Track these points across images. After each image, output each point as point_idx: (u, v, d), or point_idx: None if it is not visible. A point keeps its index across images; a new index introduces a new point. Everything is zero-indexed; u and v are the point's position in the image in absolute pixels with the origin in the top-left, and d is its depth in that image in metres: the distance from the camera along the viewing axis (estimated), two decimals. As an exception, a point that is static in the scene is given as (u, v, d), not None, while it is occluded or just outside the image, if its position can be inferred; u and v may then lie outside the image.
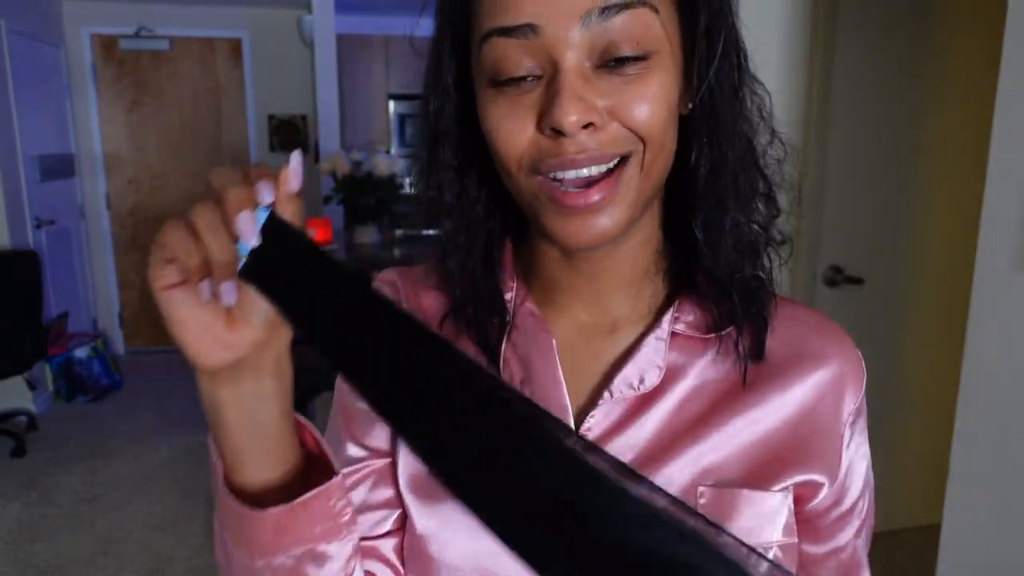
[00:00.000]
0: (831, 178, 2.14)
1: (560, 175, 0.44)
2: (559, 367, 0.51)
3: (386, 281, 0.59)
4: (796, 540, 0.52)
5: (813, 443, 0.51)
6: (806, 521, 0.53)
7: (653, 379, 0.50)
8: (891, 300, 2.34)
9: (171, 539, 2.61)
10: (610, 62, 0.42)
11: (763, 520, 0.49)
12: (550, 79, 0.42)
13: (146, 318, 4.85)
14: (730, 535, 0.28)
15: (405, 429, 0.33)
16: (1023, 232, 1.32)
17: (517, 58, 0.42)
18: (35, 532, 2.67)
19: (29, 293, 3.35)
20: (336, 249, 2.94)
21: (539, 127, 0.43)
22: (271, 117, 4.75)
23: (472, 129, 0.49)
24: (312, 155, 4.76)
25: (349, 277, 0.36)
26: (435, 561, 0.51)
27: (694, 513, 0.28)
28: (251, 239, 0.37)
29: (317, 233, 2.95)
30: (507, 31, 0.42)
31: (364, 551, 0.54)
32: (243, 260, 0.37)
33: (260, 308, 0.39)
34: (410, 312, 0.35)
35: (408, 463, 0.53)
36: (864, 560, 0.56)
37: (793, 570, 0.52)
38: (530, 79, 0.43)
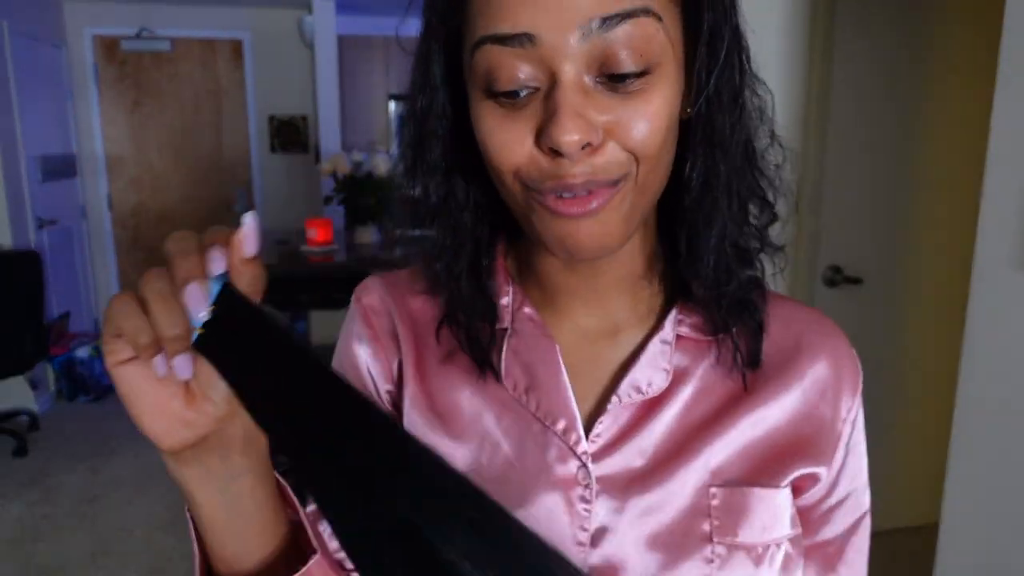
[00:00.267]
0: (831, 178, 2.15)
1: (558, 196, 0.42)
2: (565, 374, 0.50)
3: (371, 293, 0.57)
4: (800, 530, 0.52)
5: (814, 438, 0.51)
6: (798, 514, 0.53)
7: (660, 383, 0.50)
8: (890, 300, 2.34)
9: (172, 539, 2.61)
10: (610, 77, 0.40)
11: (774, 517, 0.49)
12: (548, 92, 0.40)
13: (147, 318, 4.85)
14: None
15: (346, 526, 0.31)
16: (1022, 232, 1.32)
17: (513, 68, 0.40)
18: (37, 531, 2.68)
19: (31, 293, 3.36)
20: (337, 249, 2.95)
21: (537, 143, 0.41)
22: (272, 118, 4.76)
23: (461, 129, 0.47)
24: (313, 155, 4.77)
25: (301, 356, 0.33)
26: None
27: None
28: (200, 312, 0.35)
29: (317, 234, 2.95)
30: (502, 39, 0.40)
31: None
32: (197, 332, 0.35)
33: (220, 382, 0.37)
34: (364, 394, 0.34)
35: None
36: (854, 560, 0.55)
37: (802, 560, 0.53)
38: (526, 90, 0.41)
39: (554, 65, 0.40)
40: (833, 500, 0.53)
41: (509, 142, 0.42)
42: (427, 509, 0.28)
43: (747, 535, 0.48)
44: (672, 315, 0.51)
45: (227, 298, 0.35)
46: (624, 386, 0.49)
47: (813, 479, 0.51)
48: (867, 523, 0.56)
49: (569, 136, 0.39)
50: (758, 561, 0.48)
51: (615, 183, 0.42)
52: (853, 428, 0.53)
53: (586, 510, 0.48)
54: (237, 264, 0.36)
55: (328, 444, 0.31)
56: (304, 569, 0.43)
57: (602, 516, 0.48)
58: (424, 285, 0.54)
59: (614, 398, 0.49)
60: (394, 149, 4.85)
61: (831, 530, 0.54)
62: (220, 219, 4.83)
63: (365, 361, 0.55)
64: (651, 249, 0.51)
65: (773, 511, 0.49)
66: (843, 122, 2.12)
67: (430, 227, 0.51)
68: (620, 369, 0.51)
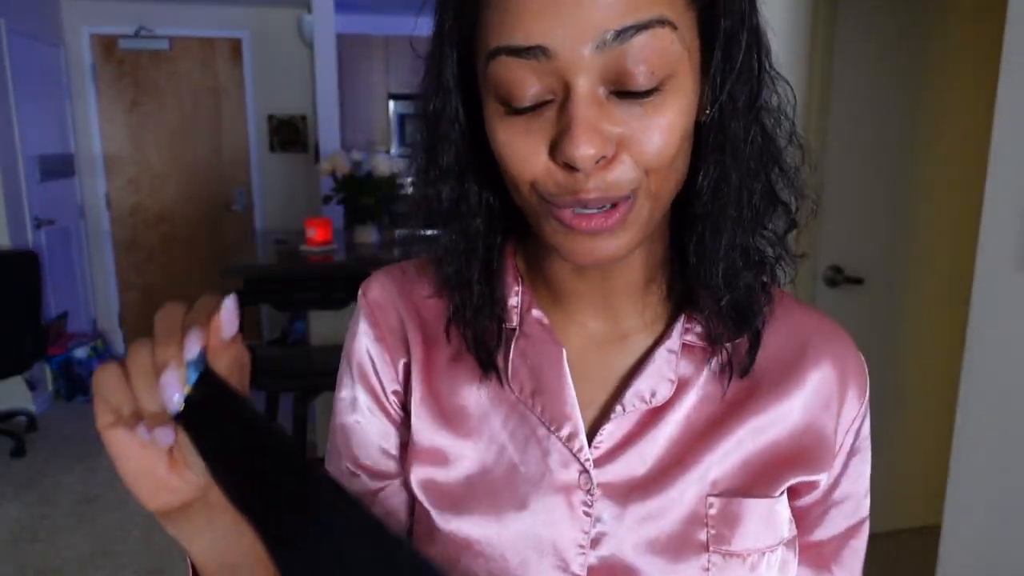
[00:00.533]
0: (831, 178, 2.14)
1: (573, 211, 0.42)
2: (570, 380, 0.50)
3: (377, 289, 0.56)
4: (795, 532, 0.53)
5: (813, 448, 0.51)
6: (794, 515, 0.54)
7: (665, 393, 0.50)
8: (891, 300, 2.34)
9: (171, 539, 2.60)
10: (624, 92, 0.40)
11: (770, 525, 0.50)
12: (562, 104, 0.40)
13: (146, 318, 4.84)
14: None
15: None
16: (1023, 232, 1.31)
17: (527, 80, 0.40)
18: (35, 532, 2.67)
19: (29, 293, 3.35)
20: (336, 249, 2.94)
21: (551, 155, 0.41)
22: (271, 117, 4.75)
23: (474, 133, 0.47)
24: (312, 155, 4.76)
25: (274, 444, 0.35)
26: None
27: None
28: (175, 396, 0.36)
29: (317, 233, 2.94)
30: (517, 51, 0.40)
31: None
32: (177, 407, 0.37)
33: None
34: (336, 481, 0.34)
35: (420, 475, 0.53)
36: (850, 564, 0.55)
37: (795, 566, 0.53)
38: (541, 101, 0.41)
39: (568, 77, 0.39)
40: (831, 502, 0.53)
41: (525, 155, 0.42)
42: None
43: (742, 543, 0.49)
44: (679, 323, 0.51)
45: (204, 383, 0.36)
46: (629, 396, 0.49)
47: (811, 485, 0.52)
48: (866, 528, 0.56)
49: (583, 151, 0.39)
50: (753, 567, 0.49)
51: (628, 197, 0.42)
52: (857, 436, 0.53)
53: (587, 514, 0.49)
54: (217, 346, 0.37)
55: (298, 531, 0.32)
56: None
57: (602, 521, 0.49)
58: (432, 281, 0.54)
59: (618, 407, 0.49)
60: (395, 149, 4.86)
61: (827, 531, 0.54)
62: (219, 219, 4.82)
63: (371, 361, 0.55)
64: (661, 255, 0.51)
65: (769, 520, 0.50)
66: (844, 122, 2.11)
67: (442, 230, 0.51)
68: (626, 376, 0.51)
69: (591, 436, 0.50)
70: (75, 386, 3.92)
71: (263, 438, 0.35)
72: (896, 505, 2.35)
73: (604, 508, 0.49)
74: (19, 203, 3.66)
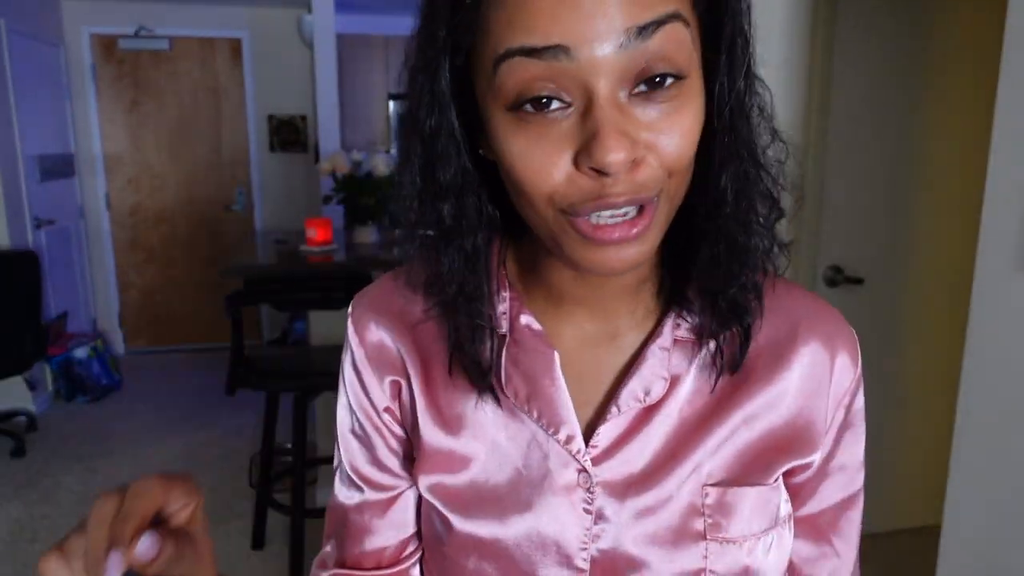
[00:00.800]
0: (831, 178, 2.14)
1: (597, 216, 0.41)
2: (563, 383, 0.51)
3: (365, 314, 0.56)
4: (790, 510, 0.55)
5: (806, 431, 0.52)
6: (789, 490, 0.55)
7: (659, 391, 0.50)
8: (891, 300, 2.34)
9: (171, 539, 2.60)
10: (644, 86, 0.39)
11: (763, 510, 0.51)
12: (584, 109, 0.39)
13: (146, 318, 4.84)
14: None
15: None
16: (1023, 233, 1.31)
17: (543, 83, 0.38)
18: (35, 532, 2.67)
19: (29, 293, 3.35)
20: (336, 248, 2.94)
21: (576, 164, 0.40)
22: (271, 117, 4.75)
23: (472, 145, 0.46)
24: (312, 155, 4.76)
25: None
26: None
27: None
28: None
29: (317, 233, 2.94)
30: (533, 52, 0.38)
31: None
32: None
33: None
34: None
35: (428, 482, 0.54)
36: (847, 533, 0.56)
37: (790, 539, 0.54)
38: (557, 106, 0.39)
39: (589, 80, 0.38)
40: (825, 474, 0.55)
41: (545, 165, 0.40)
42: None
43: (738, 530, 0.50)
44: (670, 320, 0.51)
45: None
46: (624, 396, 0.50)
47: (805, 466, 0.53)
48: (860, 500, 0.57)
49: (615, 155, 0.38)
50: (749, 552, 0.51)
51: (654, 199, 0.41)
52: (848, 410, 0.54)
53: (587, 511, 0.50)
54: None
55: None
56: None
57: (603, 516, 0.50)
58: (426, 295, 0.53)
59: (613, 408, 0.50)
60: (395, 149, 4.85)
61: (822, 502, 0.55)
62: (219, 219, 4.82)
63: (359, 381, 0.57)
64: (655, 255, 0.51)
65: (763, 506, 0.51)
66: (844, 121, 2.11)
67: (443, 252, 0.49)
68: (620, 374, 0.52)
69: (589, 435, 0.51)
70: (75, 386, 3.91)
71: None
72: (896, 505, 2.35)
73: (604, 504, 0.50)
74: (19, 203, 3.66)
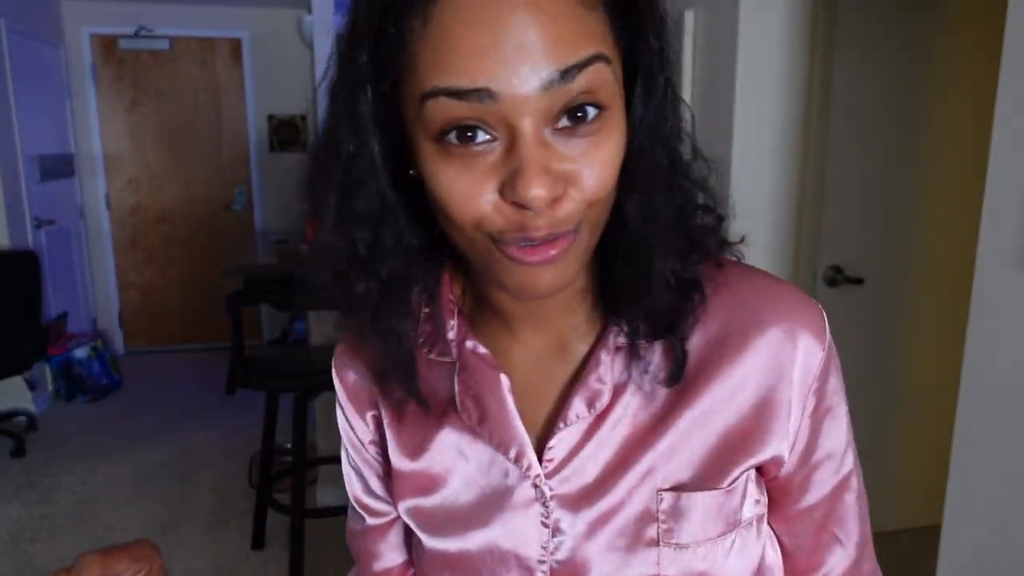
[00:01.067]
0: (831, 178, 2.14)
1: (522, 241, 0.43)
2: (510, 404, 0.52)
3: (343, 357, 0.60)
4: (761, 511, 0.54)
5: (768, 421, 0.50)
6: (776, 486, 0.55)
7: (604, 399, 0.51)
8: (891, 300, 2.34)
9: (171, 539, 2.60)
10: (567, 119, 0.40)
11: (717, 515, 0.51)
12: (509, 144, 0.40)
13: (146, 318, 4.85)
14: None
15: None
16: (1023, 232, 1.31)
17: (469, 120, 0.40)
18: (35, 532, 2.67)
19: (29, 293, 3.35)
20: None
21: (501, 194, 0.41)
22: (271, 117, 4.75)
23: (393, 171, 0.46)
24: (311, 156, 4.75)
25: None
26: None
27: None
28: None
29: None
30: (459, 93, 0.39)
31: None
32: None
33: None
34: None
35: (407, 507, 0.58)
36: (846, 520, 0.56)
37: (758, 542, 0.54)
38: (484, 141, 0.40)
39: (514, 119, 0.39)
40: (812, 466, 0.53)
41: (471, 195, 0.41)
42: None
43: (691, 535, 0.50)
44: (612, 330, 0.51)
45: None
46: (570, 411, 0.51)
47: (775, 461, 0.52)
48: (854, 483, 0.56)
49: (537, 191, 0.39)
50: (704, 556, 0.51)
51: (574, 230, 0.43)
52: (821, 396, 0.51)
53: (544, 524, 0.52)
54: None
55: None
56: None
57: (560, 529, 0.52)
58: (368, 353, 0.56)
59: (560, 423, 0.51)
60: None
61: (815, 494, 0.54)
62: (219, 218, 4.82)
63: (346, 418, 0.62)
64: (590, 268, 0.52)
65: (717, 511, 0.51)
66: (844, 121, 2.11)
67: (358, 279, 0.49)
68: (567, 386, 0.53)
69: (542, 451, 0.52)
70: (75, 386, 3.91)
71: None
72: (896, 505, 2.35)
73: (560, 517, 0.52)
74: (19, 203, 3.66)
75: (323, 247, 0.49)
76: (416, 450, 0.56)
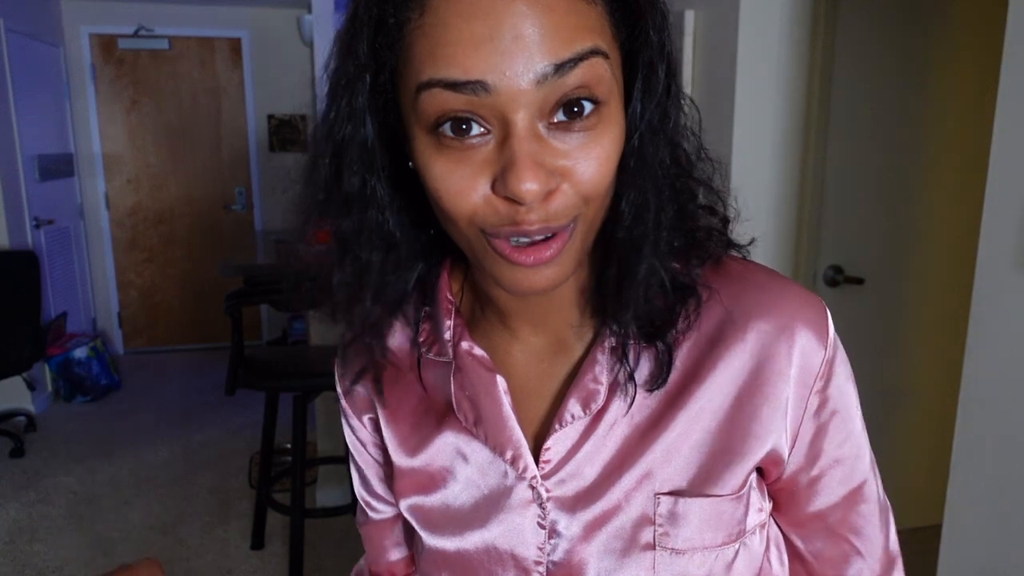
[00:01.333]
0: (831, 178, 2.14)
1: (515, 240, 0.43)
2: (507, 406, 0.51)
3: (344, 351, 0.59)
4: (763, 519, 0.53)
5: (763, 417, 0.49)
6: (781, 489, 0.54)
7: (600, 401, 0.50)
8: (891, 300, 2.34)
9: (170, 539, 2.60)
10: (563, 114, 0.40)
11: (715, 524, 0.50)
12: (502, 139, 0.40)
13: (145, 318, 4.84)
14: None
15: None
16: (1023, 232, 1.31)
17: (463, 112, 0.39)
18: (34, 533, 2.67)
19: (28, 293, 3.34)
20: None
21: (493, 189, 0.41)
22: (271, 117, 4.75)
23: (392, 162, 0.46)
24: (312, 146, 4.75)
25: None
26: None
27: None
28: None
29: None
30: (454, 85, 0.38)
31: None
32: None
33: None
34: None
35: (407, 505, 0.58)
36: (864, 530, 0.54)
37: (760, 553, 0.53)
38: (477, 134, 0.40)
39: (508, 113, 0.39)
40: (816, 470, 0.52)
41: (464, 189, 0.41)
42: None
43: (686, 541, 0.50)
44: (606, 330, 0.51)
45: None
46: (565, 412, 0.51)
47: (773, 460, 0.51)
48: (870, 492, 0.54)
49: (529, 185, 0.39)
50: (701, 564, 0.50)
51: (569, 225, 0.42)
52: (824, 395, 0.50)
53: (541, 525, 0.52)
54: None
55: None
56: None
57: (556, 530, 0.52)
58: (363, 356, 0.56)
59: (556, 425, 0.51)
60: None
61: (825, 499, 0.53)
62: (219, 218, 4.82)
63: (347, 419, 0.63)
64: (587, 267, 0.51)
65: (715, 519, 0.50)
66: (844, 121, 2.11)
67: (340, 269, 0.49)
68: (564, 386, 0.52)
69: (538, 452, 0.51)
70: (74, 386, 3.91)
71: None
72: (896, 505, 2.34)
73: (557, 518, 0.51)
74: (18, 203, 3.66)
75: (313, 238, 0.50)
76: (416, 448, 0.56)
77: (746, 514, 0.51)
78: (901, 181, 2.26)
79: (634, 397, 0.50)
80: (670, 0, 0.45)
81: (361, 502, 0.66)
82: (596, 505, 0.50)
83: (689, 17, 2.06)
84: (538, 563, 0.52)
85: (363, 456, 0.63)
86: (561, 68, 0.38)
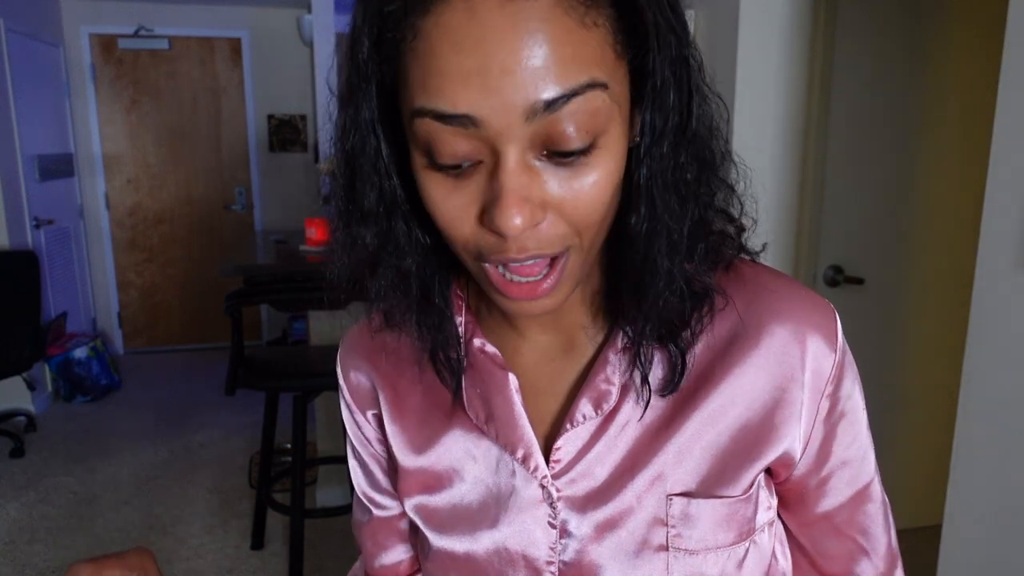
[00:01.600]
0: (831, 178, 2.14)
1: (506, 272, 0.43)
2: (518, 404, 0.51)
3: (348, 355, 0.60)
4: (772, 517, 0.54)
5: (776, 421, 0.49)
6: (789, 490, 0.54)
7: (611, 402, 0.50)
8: (891, 300, 2.34)
9: (170, 539, 2.60)
10: (556, 153, 0.39)
11: (728, 524, 0.50)
12: (492, 169, 0.39)
13: (145, 318, 4.84)
14: None
15: None
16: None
17: (453, 144, 0.39)
18: (34, 533, 2.67)
19: (28, 293, 3.34)
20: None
21: (481, 220, 0.41)
22: (271, 117, 4.75)
23: (401, 169, 0.45)
24: (312, 154, 4.75)
25: None
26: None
27: None
28: None
29: (316, 233, 2.94)
30: (443, 117, 0.38)
31: None
32: None
33: None
34: None
35: (412, 504, 0.57)
36: (870, 530, 0.55)
37: (769, 549, 0.54)
38: (469, 163, 0.40)
39: (497, 146, 0.38)
40: (825, 472, 0.53)
41: (456, 218, 0.41)
42: None
43: (700, 542, 0.50)
44: (618, 331, 0.50)
45: None
46: (577, 411, 0.50)
47: (784, 463, 0.51)
48: (875, 491, 0.55)
49: (513, 221, 0.38)
50: (715, 563, 0.50)
51: (562, 254, 0.42)
52: (835, 399, 0.50)
53: (552, 525, 0.51)
54: None
55: None
56: None
57: (567, 531, 0.51)
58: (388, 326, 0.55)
59: (568, 424, 0.50)
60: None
61: (832, 500, 0.54)
62: (219, 218, 4.82)
63: (351, 415, 0.61)
64: (600, 267, 0.51)
65: (728, 520, 0.50)
66: (844, 122, 2.11)
67: (371, 275, 0.49)
68: (575, 387, 0.52)
69: (549, 450, 0.51)
70: (74, 386, 3.91)
71: None
72: (896, 505, 2.34)
73: (568, 518, 0.51)
74: (18, 203, 3.66)
75: (340, 244, 0.49)
76: (423, 446, 0.56)
77: (755, 513, 0.51)
78: (901, 181, 2.26)
79: (648, 400, 0.49)
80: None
81: (364, 499, 0.64)
82: (608, 506, 0.50)
83: (689, 17, 2.06)
84: (549, 563, 0.52)
85: (367, 450, 0.62)
86: (552, 104, 0.37)
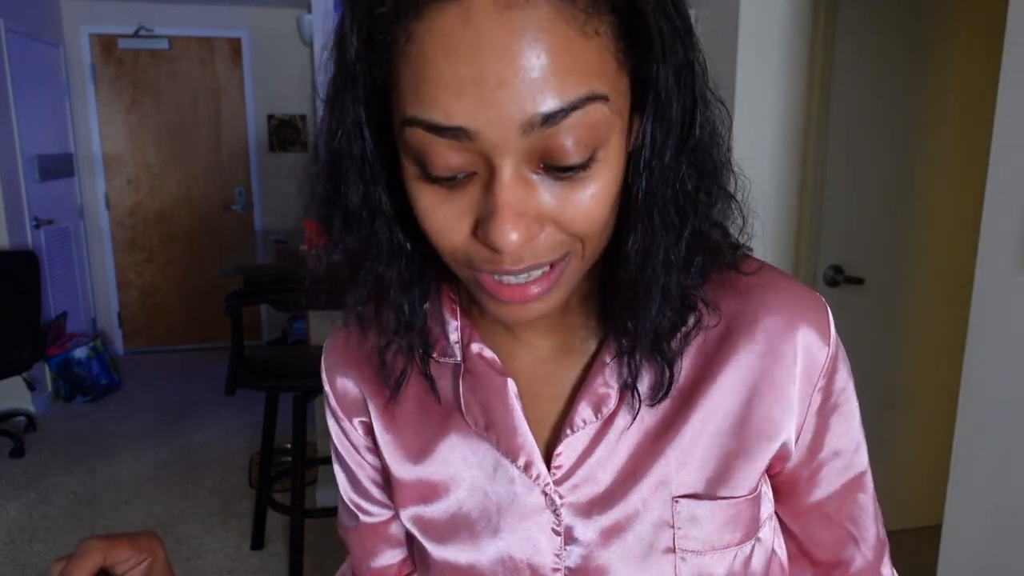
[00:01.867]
0: (831, 178, 2.14)
1: (498, 277, 0.41)
2: (518, 410, 0.51)
3: (331, 359, 0.59)
4: (771, 509, 0.54)
5: (772, 415, 0.49)
6: (782, 481, 0.54)
7: (611, 405, 0.50)
8: (891, 300, 2.34)
9: (170, 539, 2.60)
10: (553, 167, 0.38)
11: (735, 524, 0.50)
12: (487, 182, 0.38)
13: (145, 318, 4.84)
14: None
15: None
16: (1024, 232, 1.31)
17: (446, 155, 0.37)
18: (34, 533, 2.67)
19: (28, 293, 3.34)
20: (336, 249, 2.94)
21: (474, 232, 0.39)
22: (271, 117, 4.75)
23: (389, 173, 0.44)
24: (312, 154, 4.75)
25: None
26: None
27: None
28: None
29: (316, 233, 2.95)
30: (435, 129, 0.36)
31: None
32: None
33: None
34: None
35: (409, 514, 0.56)
36: (860, 519, 0.55)
37: (771, 541, 0.54)
38: (462, 174, 0.38)
39: (493, 159, 0.37)
40: (816, 463, 0.53)
41: (446, 228, 0.40)
42: None
43: (707, 543, 0.50)
44: (612, 336, 0.50)
45: None
46: (576, 416, 0.50)
47: (780, 457, 0.51)
48: (867, 481, 0.55)
49: (509, 237, 0.37)
50: (722, 562, 0.50)
51: (561, 260, 0.41)
52: (828, 392, 0.50)
53: (556, 532, 0.51)
54: None
55: None
56: None
57: (572, 536, 0.51)
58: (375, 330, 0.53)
59: (567, 430, 0.50)
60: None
61: (824, 490, 0.54)
62: (219, 218, 4.82)
63: (336, 421, 0.60)
64: (595, 273, 0.50)
65: (734, 519, 0.50)
66: (844, 122, 2.11)
67: (352, 281, 0.48)
68: (573, 391, 0.52)
69: (550, 456, 0.51)
70: (74, 386, 3.91)
71: None
72: (896, 505, 2.35)
73: (572, 524, 0.50)
74: (18, 203, 3.66)
75: (323, 246, 0.48)
76: (418, 455, 0.55)
77: (760, 509, 0.52)
78: (901, 181, 2.26)
79: (638, 411, 0.49)
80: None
81: (350, 505, 0.63)
82: (613, 511, 0.50)
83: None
84: (555, 570, 0.51)
85: (354, 457, 0.60)
86: (551, 118, 0.35)
